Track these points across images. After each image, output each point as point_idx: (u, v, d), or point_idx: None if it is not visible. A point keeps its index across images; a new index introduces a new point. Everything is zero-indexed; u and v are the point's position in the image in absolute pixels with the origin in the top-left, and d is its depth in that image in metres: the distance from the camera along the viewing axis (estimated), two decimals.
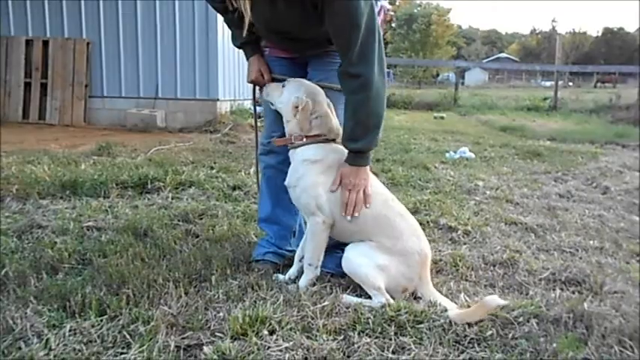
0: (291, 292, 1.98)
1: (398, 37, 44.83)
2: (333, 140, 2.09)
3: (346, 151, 2.05)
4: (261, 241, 2.46)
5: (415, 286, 2.03)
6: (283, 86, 2.12)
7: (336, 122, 2.10)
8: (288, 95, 2.09)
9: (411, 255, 2.00)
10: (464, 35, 65.13)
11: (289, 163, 2.21)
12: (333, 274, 2.19)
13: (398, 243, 2.00)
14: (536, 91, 23.79)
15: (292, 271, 2.21)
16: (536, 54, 58.23)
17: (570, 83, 34.32)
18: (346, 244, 2.07)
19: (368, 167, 2.05)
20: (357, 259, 1.99)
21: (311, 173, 2.05)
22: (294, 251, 2.38)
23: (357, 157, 2.02)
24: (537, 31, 74.20)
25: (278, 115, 2.20)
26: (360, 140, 1.99)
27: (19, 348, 1.55)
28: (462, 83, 29.91)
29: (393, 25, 46.21)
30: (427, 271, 2.06)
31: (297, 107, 2.03)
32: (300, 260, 2.18)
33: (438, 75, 44.32)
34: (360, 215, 2.01)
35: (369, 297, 1.97)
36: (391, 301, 1.94)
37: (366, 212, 2.02)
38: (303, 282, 2.08)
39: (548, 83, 31.35)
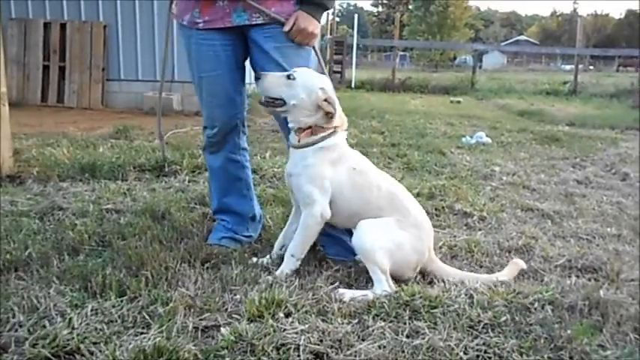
0: (265, 281, 1.93)
1: (415, 20, 44.17)
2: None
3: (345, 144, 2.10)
4: (217, 226, 2.46)
5: (425, 261, 2.05)
6: (291, 78, 2.00)
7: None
8: (307, 88, 2.00)
9: (423, 227, 2.04)
10: (482, 17, 63.99)
11: (240, 150, 2.34)
12: (336, 260, 2.19)
13: (410, 216, 2.03)
14: (555, 75, 23.38)
15: (269, 258, 2.18)
16: (557, 37, 57.08)
17: (591, 67, 33.64)
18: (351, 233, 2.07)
19: (319, 26, 2.17)
20: (370, 237, 1.95)
21: (321, 163, 2.02)
22: (251, 236, 2.43)
23: (314, 9, 2.12)
24: (558, 13, 72.61)
25: (224, 101, 2.24)
26: None
27: (44, 326, 1.60)
28: (480, 67, 29.47)
29: (410, 6, 45.56)
30: (432, 245, 2.10)
31: (325, 101, 1.99)
32: (281, 249, 2.16)
33: (455, 58, 43.70)
34: (365, 197, 2.04)
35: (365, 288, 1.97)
36: (394, 289, 1.93)
37: (370, 194, 2.04)
38: (284, 271, 2.01)
39: (568, 67, 30.77)
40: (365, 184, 2.06)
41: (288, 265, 2.04)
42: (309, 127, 2.03)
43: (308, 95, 1.99)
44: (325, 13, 2.28)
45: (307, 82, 2.00)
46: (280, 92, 2.00)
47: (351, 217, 2.05)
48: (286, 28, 2.11)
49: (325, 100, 1.99)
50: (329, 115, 2.01)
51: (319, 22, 2.16)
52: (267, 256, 2.20)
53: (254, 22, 2.14)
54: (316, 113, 2.01)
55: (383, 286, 1.92)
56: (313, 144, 2.02)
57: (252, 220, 2.47)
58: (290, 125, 2.07)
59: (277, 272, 2.02)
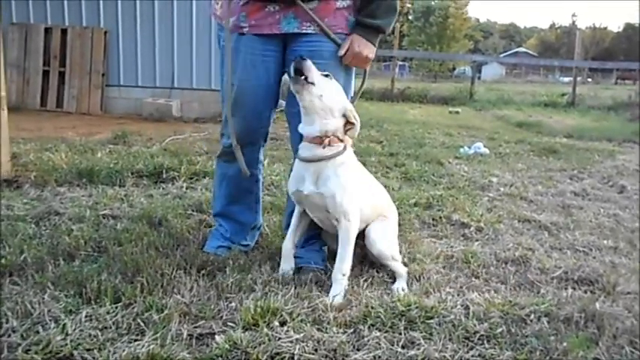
0: (321, 309, 1.82)
1: (414, 30, 44.46)
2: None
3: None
4: (214, 232, 2.38)
5: None
6: (329, 77, 1.96)
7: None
8: (339, 91, 1.97)
9: (396, 219, 2.30)
10: (482, 29, 64.41)
11: (257, 164, 2.28)
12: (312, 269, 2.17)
13: (391, 212, 2.26)
14: (553, 87, 23.51)
15: (287, 268, 2.13)
16: (555, 49, 57.53)
17: (589, 79, 33.84)
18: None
19: (375, 49, 2.12)
20: (384, 242, 2.13)
21: (353, 180, 2.01)
22: (249, 245, 2.37)
23: (370, 33, 2.08)
24: (557, 26, 73.22)
25: (251, 114, 2.16)
26: (379, 19, 2.07)
27: (37, 332, 1.59)
28: (479, 78, 29.60)
29: (410, 17, 45.83)
30: None
31: (346, 116, 1.96)
32: (294, 253, 2.15)
33: (454, 69, 43.89)
34: (371, 199, 2.15)
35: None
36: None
37: (375, 194, 2.20)
38: (338, 293, 1.93)
39: (566, 79, 30.91)
40: (372, 196, 2.18)
41: (342, 285, 1.97)
42: (323, 137, 1.95)
43: (338, 95, 1.96)
44: None
45: (339, 88, 1.98)
46: (316, 78, 1.91)
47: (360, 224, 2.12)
48: (341, 53, 2.06)
49: (350, 110, 1.97)
50: (348, 127, 1.98)
51: (375, 45, 2.10)
52: (283, 270, 2.13)
53: (304, 31, 2.05)
54: (337, 120, 1.95)
55: (405, 278, 2.14)
56: (331, 157, 1.96)
57: (251, 229, 2.42)
58: (305, 129, 1.96)
59: (330, 298, 1.91)
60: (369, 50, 2.08)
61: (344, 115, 1.97)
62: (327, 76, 1.95)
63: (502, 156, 5.58)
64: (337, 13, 2.06)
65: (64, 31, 7.56)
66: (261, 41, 2.09)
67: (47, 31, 7.57)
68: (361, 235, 2.12)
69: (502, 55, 44.72)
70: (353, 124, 1.98)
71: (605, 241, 2.82)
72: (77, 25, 7.58)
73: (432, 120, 9.32)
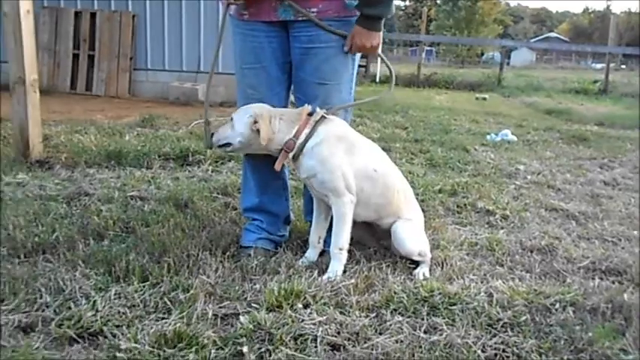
0: (324, 285, 1.87)
1: (442, 15, 43.52)
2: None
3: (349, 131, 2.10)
4: (249, 226, 2.32)
5: None
6: (231, 119, 2.06)
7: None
8: (241, 122, 2.02)
9: (421, 219, 2.27)
10: (512, 13, 62.77)
11: None
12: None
13: (417, 213, 2.24)
14: (585, 74, 22.86)
15: (311, 255, 2.17)
16: (588, 34, 55.85)
17: (623, 66, 32.79)
18: None
19: (380, 34, 2.09)
20: (412, 239, 2.13)
21: (333, 153, 2.00)
22: (284, 236, 2.37)
23: (370, 21, 2.05)
24: (590, 10, 70.96)
25: (266, 95, 2.16)
26: (377, 6, 2.03)
27: (69, 308, 1.65)
28: (508, 63, 28.93)
29: (438, 1, 44.97)
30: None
31: (255, 122, 1.98)
32: (319, 243, 2.18)
33: (482, 54, 43.00)
34: (387, 197, 2.12)
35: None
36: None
37: (391, 197, 2.13)
38: (337, 270, 2.01)
39: (599, 65, 30.03)
40: (386, 186, 2.12)
41: (341, 261, 2.04)
42: (283, 149, 2.02)
43: (244, 127, 2.01)
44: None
45: (240, 117, 2.03)
46: (226, 138, 2.06)
47: (370, 213, 2.14)
48: (346, 49, 2.09)
49: (254, 121, 1.98)
50: (261, 133, 1.96)
51: (379, 31, 2.08)
52: (309, 253, 2.18)
53: (300, 18, 2.06)
54: (269, 135, 1.98)
55: (428, 263, 2.15)
56: (303, 146, 2.00)
57: (284, 222, 2.39)
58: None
59: (330, 274, 1.98)
60: (373, 39, 2.08)
61: (257, 130, 1.98)
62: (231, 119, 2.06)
63: (530, 143, 5.48)
64: None
65: (93, 15, 7.66)
66: (264, 25, 2.12)
67: (77, 14, 7.68)
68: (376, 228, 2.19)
69: (532, 41, 43.52)
70: (258, 128, 1.98)
71: (634, 232, 2.75)
72: (106, 9, 7.67)
73: (459, 106, 9.18)
